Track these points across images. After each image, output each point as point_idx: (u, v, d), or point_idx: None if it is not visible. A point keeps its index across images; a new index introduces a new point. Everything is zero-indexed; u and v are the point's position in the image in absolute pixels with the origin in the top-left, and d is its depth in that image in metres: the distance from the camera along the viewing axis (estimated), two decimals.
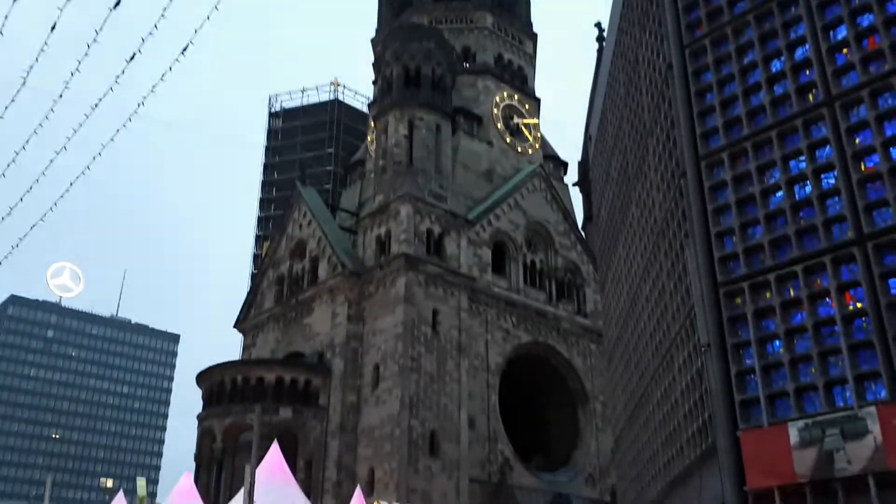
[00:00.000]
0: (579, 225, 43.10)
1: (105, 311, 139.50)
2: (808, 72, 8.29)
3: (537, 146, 44.13)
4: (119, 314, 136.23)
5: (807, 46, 8.47)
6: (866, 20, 7.97)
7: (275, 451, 20.16)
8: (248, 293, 41.93)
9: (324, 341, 34.76)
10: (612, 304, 20.24)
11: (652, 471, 14.85)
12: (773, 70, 8.58)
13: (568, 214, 41.69)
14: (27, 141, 13.06)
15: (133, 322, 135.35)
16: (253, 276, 47.11)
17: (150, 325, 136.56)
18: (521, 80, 45.56)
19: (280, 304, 38.74)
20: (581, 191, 47.28)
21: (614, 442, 22.97)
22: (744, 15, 8.70)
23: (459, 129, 40.32)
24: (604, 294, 22.95)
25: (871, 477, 7.86)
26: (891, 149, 7.35)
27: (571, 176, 54.20)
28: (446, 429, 31.41)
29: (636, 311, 15.74)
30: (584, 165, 44.80)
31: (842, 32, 8.12)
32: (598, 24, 26.02)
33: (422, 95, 36.70)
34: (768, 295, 8.65)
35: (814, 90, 8.17)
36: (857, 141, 7.67)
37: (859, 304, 7.70)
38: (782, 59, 8.52)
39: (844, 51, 8.36)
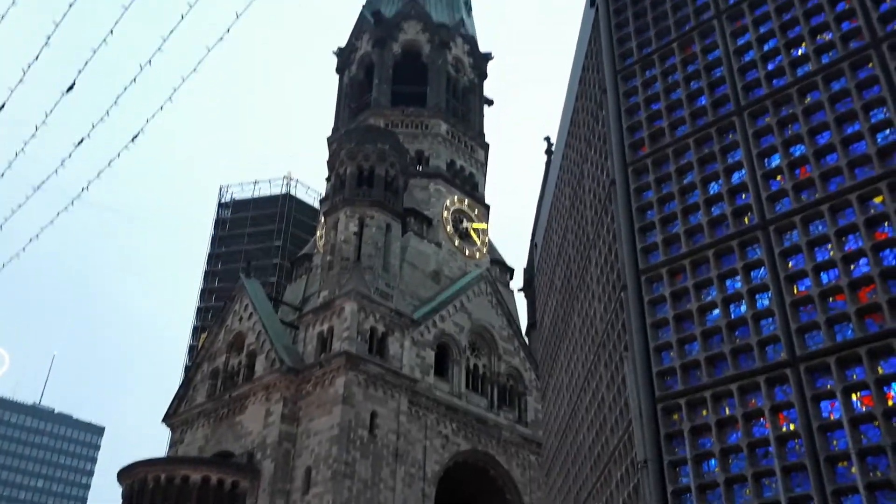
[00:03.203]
0: (523, 331, 43.27)
1: (29, 398, 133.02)
2: (743, 195, 8.57)
3: (485, 250, 44.69)
4: (43, 402, 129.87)
5: (743, 172, 8.81)
6: (798, 150, 8.34)
7: None
8: (180, 386, 40.42)
9: (255, 441, 33.41)
10: (552, 415, 19.99)
11: None
12: (711, 192, 8.86)
13: (512, 320, 41.81)
14: None
15: (56, 411, 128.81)
16: (187, 369, 45.59)
17: (74, 416, 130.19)
18: (471, 185, 46.57)
19: (212, 399, 37.33)
20: (525, 297, 47.68)
21: None
22: (684, 138, 9.04)
23: (410, 230, 40.69)
24: (545, 403, 22.68)
25: None
26: (821, 273, 7.54)
27: (517, 282, 54.85)
28: None
29: (576, 423, 15.54)
30: (529, 272, 45.37)
31: (775, 160, 8.47)
32: (546, 138, 27.01)
33: (374, 195, 37.12)
34: (705, 412, 8.60)
35: (749, 213, 8.43)
36: (790, 265, 7.86)
37: (792, 426, 7.69)
38: (720, 181, 8.82)
39: (778, 178, 8.71)
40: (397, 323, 35.08)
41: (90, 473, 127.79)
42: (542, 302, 24.06)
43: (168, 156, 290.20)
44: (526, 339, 42.62)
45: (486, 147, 49.12)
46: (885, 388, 6.42)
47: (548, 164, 25.83)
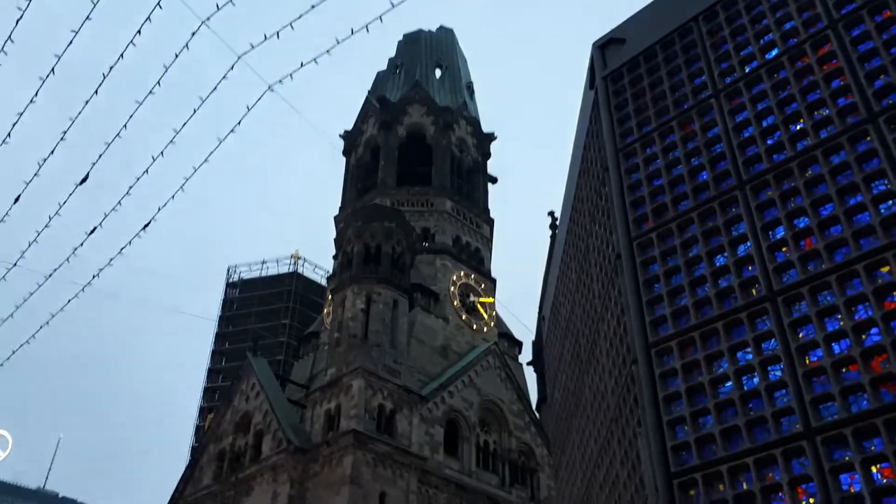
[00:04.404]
0: (533, 405, 42.63)
1: (33, 482, 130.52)
2: (750, 267, 8.60)
3: (492, 324, 44.51)
4: (47, 486, 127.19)
5: (748, 244, 8.86)
6: (802, 222, 8.42)
7: None
8: (186, 468, 39.74)
9: None
10: (565, 492, 19.54)
11: None
12: (717, 264, 8.90)
13: (522, 394, 41.29)
14: None
15: (60, 496, 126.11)
16: (193, 450, 44.93)
17: (79, 500, 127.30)
18: (477, 260, 46.78)
19: (218, 481, 36.66)
20: (535, 370, 47.21)
21: None
22: (688, 212, 9.13)
23: (417, 305, 40.66)
24: (558, 480, 22.18)
25: None
26: (833, 344, 7.52)
27: (525, 356, 54.41)
28: None
29: (590, 501, 15.19)
30: (537, 345, 45.03)
31: (780, 232, 8.54)
32: (551, 213, 27.17)
33: (381, 272, 37.28)
34: (721, 487, 8.44)
35: (756, 285, 8.45)
36: (801, 335, 7.84)
37: (811, 500, 7.54)
38: (725, 254, 8.88)
39: (784, 249, 8.75)
40: (405, 400, 34.70)
41: None
42: (551, 376, 23.79)
43: (177, 239, 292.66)
44: (536, 414, 41.99)
45: (490, 223, 49.60)
46: None
47: (552, 238, 25.95)
